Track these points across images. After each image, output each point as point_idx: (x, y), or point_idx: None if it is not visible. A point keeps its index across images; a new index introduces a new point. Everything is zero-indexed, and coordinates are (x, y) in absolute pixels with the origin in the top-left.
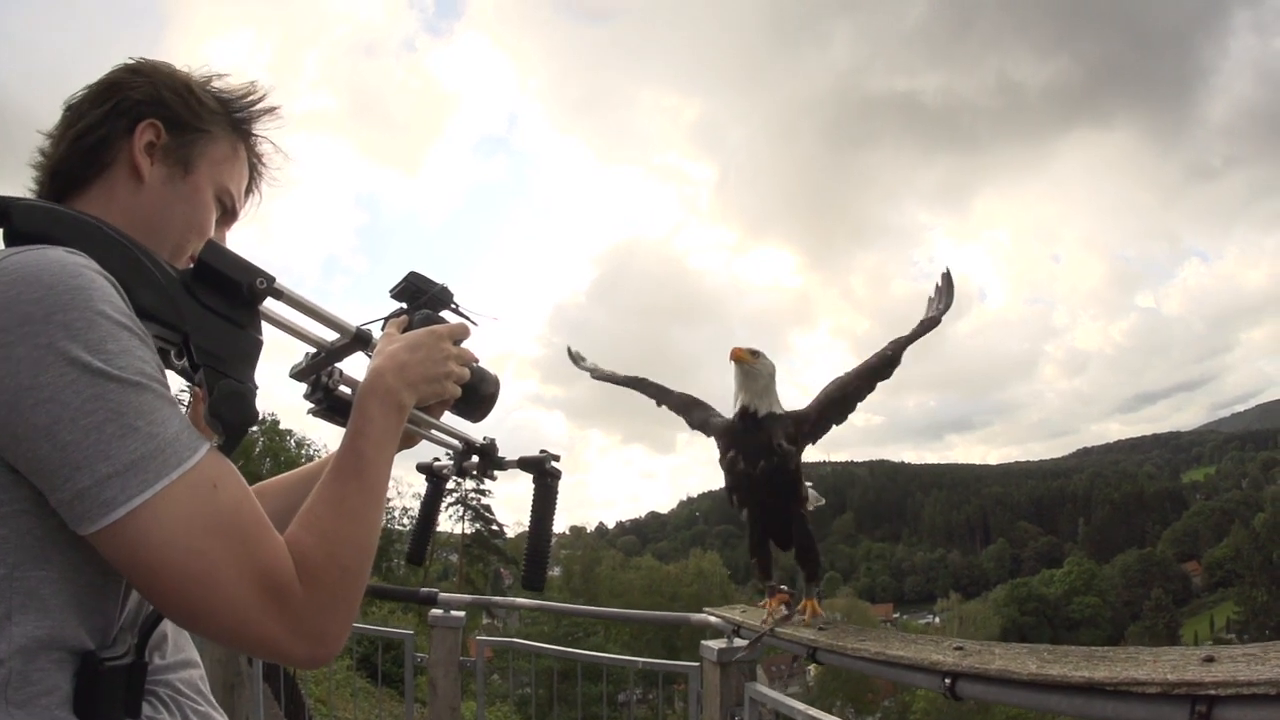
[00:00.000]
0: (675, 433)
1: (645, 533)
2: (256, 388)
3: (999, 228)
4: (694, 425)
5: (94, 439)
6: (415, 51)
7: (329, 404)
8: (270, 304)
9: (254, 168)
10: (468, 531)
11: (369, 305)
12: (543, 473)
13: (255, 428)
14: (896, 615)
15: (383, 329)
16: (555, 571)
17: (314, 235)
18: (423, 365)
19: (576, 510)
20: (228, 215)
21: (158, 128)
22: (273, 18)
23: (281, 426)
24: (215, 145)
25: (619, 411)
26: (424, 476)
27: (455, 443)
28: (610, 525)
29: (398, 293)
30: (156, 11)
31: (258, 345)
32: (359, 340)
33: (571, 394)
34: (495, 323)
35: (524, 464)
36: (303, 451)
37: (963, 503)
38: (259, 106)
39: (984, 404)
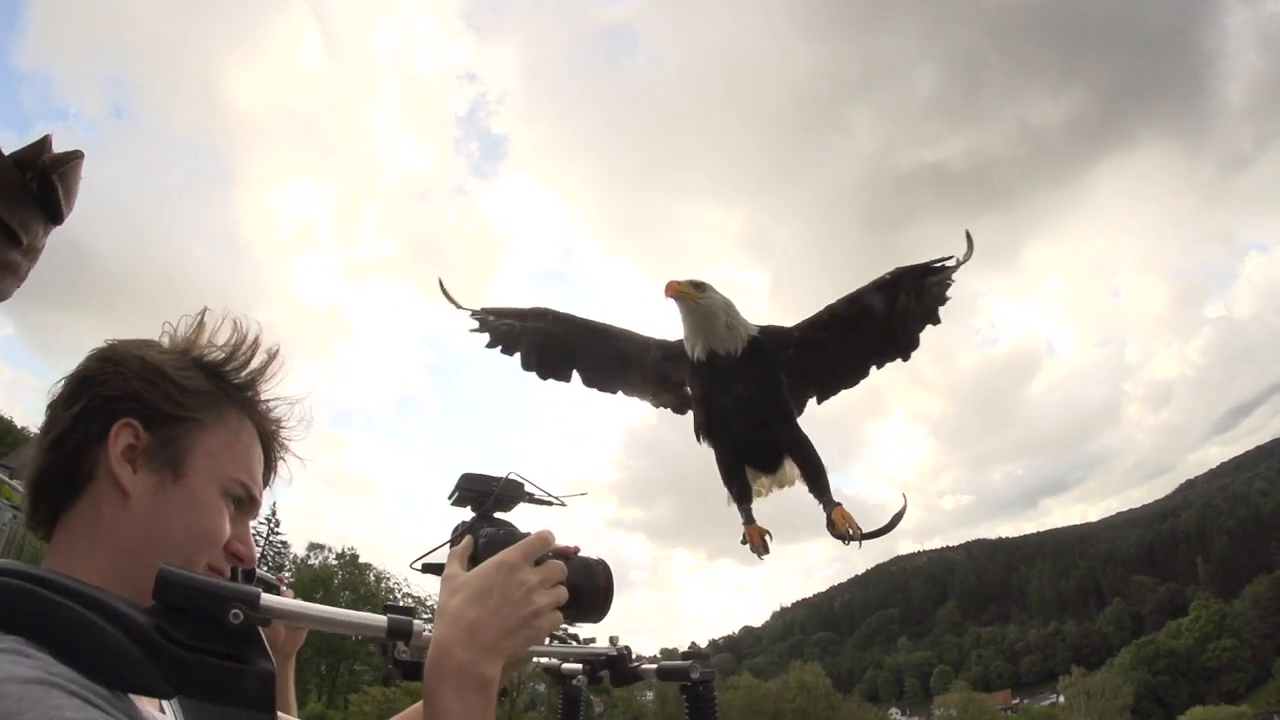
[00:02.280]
0: None
1: (740, 649)
2: None
3: (1052, 277)
4: (657, 399)
5: None
6: (466, 195)
7: (405, 672)
8: (280, 603)
9: (270, 435)
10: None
11: (441, 441)
12: (692, 683)
13: (334, 560)
14: (1016, 701)
15: (450, 547)
16: (649, 695)
17: (387, 376)
18: (498, 616)
19: (667, 632)
20: (247, 504)
21: (135, 428)
22: (330, 170)
23: (361, 560)
24: (209, 433)
25: (703, 528)
26: (552, 677)
27: (579, 657)
28: (703, 644)
29: (456, 499)
30: (224, 169)
31: (269, 679)
32: (397, 633)
33: (652, 515)
34: (584, 498)
35: (665, 674)
36: (382, 585)
37: (1070, 568)
38: (254, 365)
39: (1073, 460)
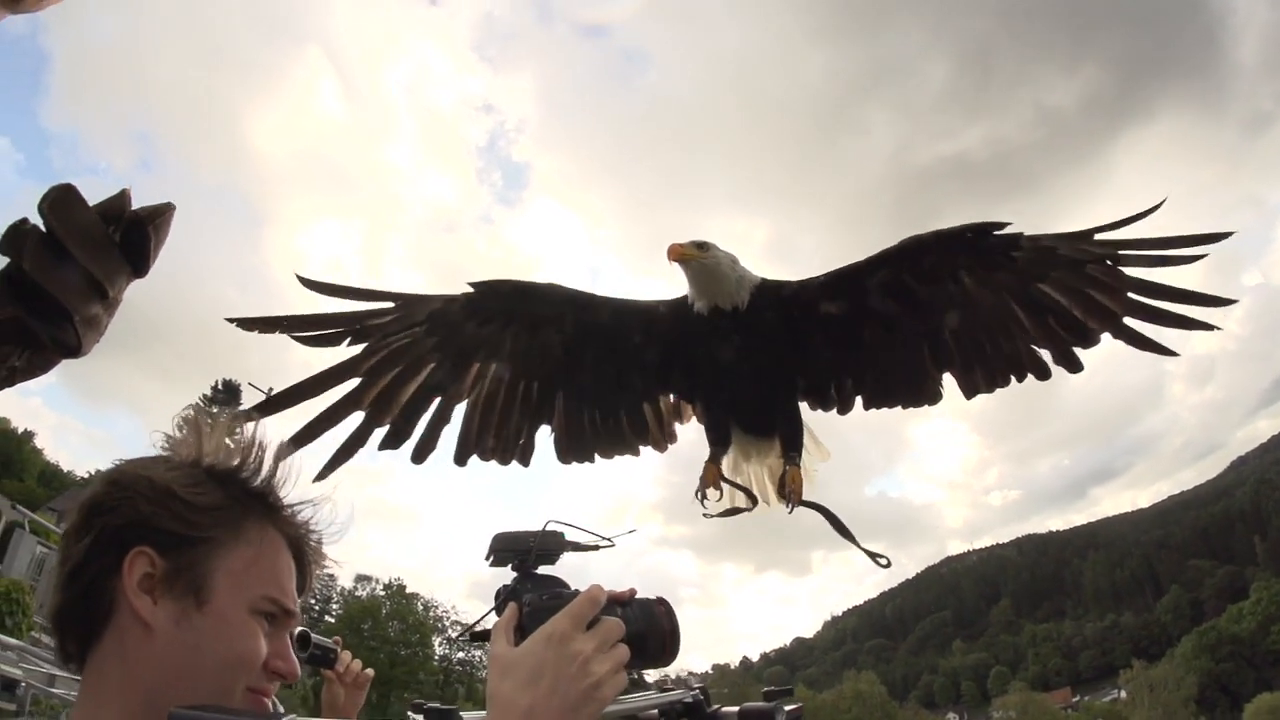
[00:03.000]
0: (810, 553)
1: (792, 660)
2: None
3: None
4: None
5: None
6: (492, 224)
7: None
8: None
9: (299, 541)
10: None
11: (479, 464)
12: None
13: (381, 591)
14: (1076, 698)
15: (495, 620)
16: None
17: None
18: (556, 696)
19: (717, 647)
20: (281, 619)
21: (149, 555)
22: (356, 207)
23: (409, 590)
24: (230, 552)
25: (750, 540)
26: None
27: (654, 707)
28: (755, 658)
29: (494, 561)
30: (253, 213)
31: None
32: None
33: (698, 531)
34: (633, 535)
35: (748, 716)
36: (430, 613)
37: (1124, 558)
38: (266, 470)
39: (1119, 446)
